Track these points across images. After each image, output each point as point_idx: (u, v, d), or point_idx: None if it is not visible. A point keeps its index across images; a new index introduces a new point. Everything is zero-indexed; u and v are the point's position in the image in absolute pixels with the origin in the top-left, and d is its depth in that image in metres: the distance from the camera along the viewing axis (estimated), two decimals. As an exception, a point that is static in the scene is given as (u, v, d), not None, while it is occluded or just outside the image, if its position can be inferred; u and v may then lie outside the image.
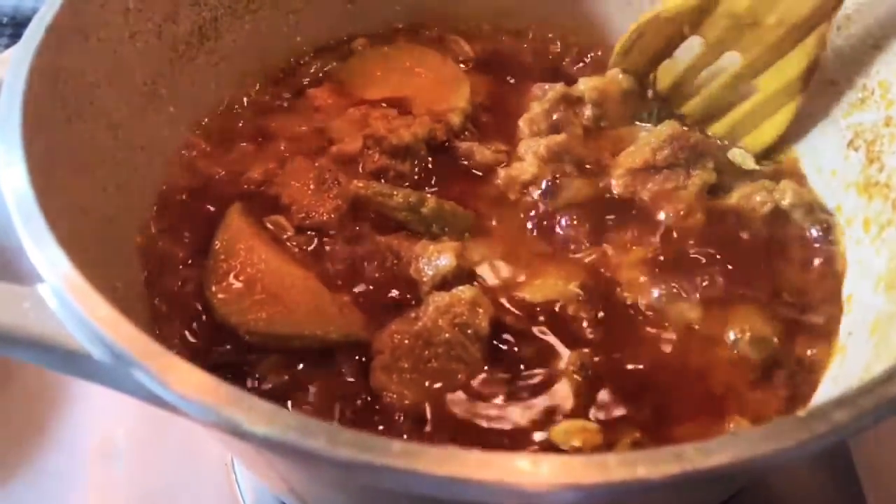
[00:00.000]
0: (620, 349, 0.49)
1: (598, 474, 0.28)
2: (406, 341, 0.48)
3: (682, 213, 0.56)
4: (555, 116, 0.62)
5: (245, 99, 0.65)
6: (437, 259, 0.52)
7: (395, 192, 0.57)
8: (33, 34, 0.46)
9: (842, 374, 0.47)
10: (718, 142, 0.62)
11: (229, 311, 0.50)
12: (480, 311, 0.49)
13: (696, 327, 0.50)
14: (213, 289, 0.51)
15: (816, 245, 0.55)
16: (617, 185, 0.58)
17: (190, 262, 0.54)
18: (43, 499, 0.62)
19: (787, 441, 0.28)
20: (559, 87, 0.64)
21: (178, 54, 0.60)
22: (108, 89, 0.52)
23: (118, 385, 0.35)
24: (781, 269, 0.54)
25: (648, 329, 0.50)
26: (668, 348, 0.49)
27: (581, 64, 0.70)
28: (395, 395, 0.47)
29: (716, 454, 0.28)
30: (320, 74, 0.68)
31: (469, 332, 0.48)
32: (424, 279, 0.52)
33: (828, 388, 0.47)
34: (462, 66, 0.69)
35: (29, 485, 0.62)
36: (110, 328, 0.33)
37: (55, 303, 0.35)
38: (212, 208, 0.57)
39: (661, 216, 0.56)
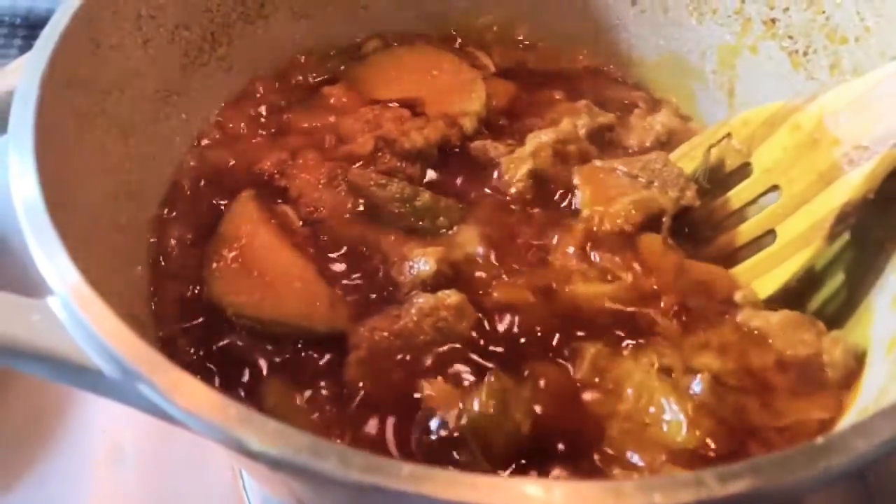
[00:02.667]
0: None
1: (613, 500, 0.28)
2: (385, 339, 0.48)
3: (599, 220, 0.54)
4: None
5: (259, 95, 0.66)
6: (419, 262, 0.52)
7: (390, 183, 0.57)
8: (46, 42, 0.46)
9: (861, 391, 0.46)
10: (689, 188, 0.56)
11: (221, 291, 0.51)
12: (464, 316, 0.49)
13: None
14: (213, 267, 0.52)
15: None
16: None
17: (195, 243, 0.55)
18: (50, 503, 0.62)
19: (805, 471, 0.28)
20: (612, 116, 0.64)
21: (190, 60, 0.60)
22: (120, 97, 0.52)
23: (127, 399, 0.35)
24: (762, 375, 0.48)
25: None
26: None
27: (608, 80, 0.70)
28: (367, 390, 0.46)
29: (734, 482, 0.28)
30: (336, 73, 0.68)
31: (448, 335, 0.48)
32: (405, 281, 0.52)
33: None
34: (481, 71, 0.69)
35: (36, 489, 0.62)
36: (119, 343, 0.33)
37: (65, 316, 0.35)
38: (222, 196, 0.57)
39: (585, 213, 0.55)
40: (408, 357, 0.47)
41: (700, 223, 0.58)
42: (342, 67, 0.69)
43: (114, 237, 0.49)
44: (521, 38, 0.72)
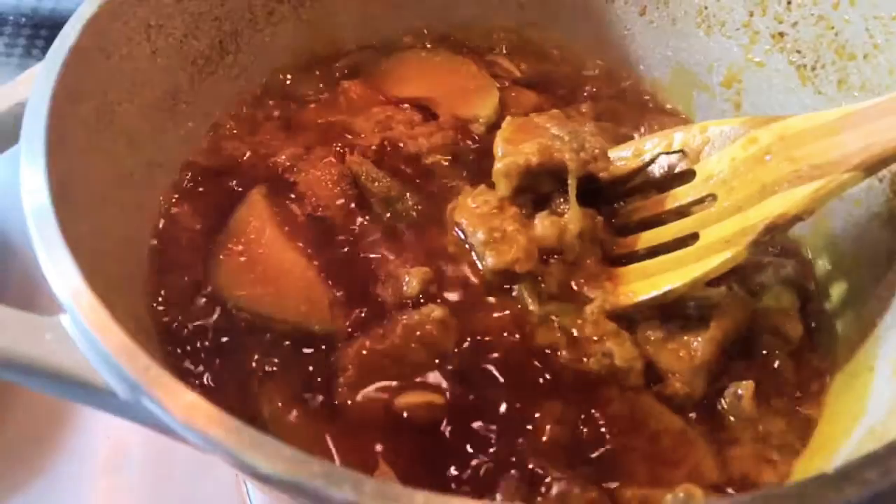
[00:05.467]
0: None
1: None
2: (373, 359, 0.48)
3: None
4: None
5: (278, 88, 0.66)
6: (403, 280, 0.52)
7: (380, 180, 0.57)
8: (56, 54, 0.46)
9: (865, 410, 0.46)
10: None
11: (224, 284, 0.52)
12: (449, 330, 0.49)
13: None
14: (219, 259, 0.53)
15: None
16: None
17: (203, 233, 0.55)
18: (55, 507, 0.62)
19: (816, 502, 0.28)
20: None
21: (198, 69, 0.60)
22: (129, 107, 0.52)
23: (138, 419, 0.35)
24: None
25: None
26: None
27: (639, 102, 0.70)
28: (362, 411, 0.46)
29: (744, 513, 0.28)
30: (356, 68, 0.69)
31: (435, 350, 0.48)
32: (390, 300, 0.51)
33: (847, 426, 0.47)
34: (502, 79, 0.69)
35: (40, 494, 0.63)
36: (130, 364, 0.33)
37: (76, 335, 0.35)
38: (234, 187, 0.58)
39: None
40: (398, 376, 0.47)
41: (628, 216, 0.56)
42: (362, 63, 0.69)
43: (123, 248, 0.49)
44: (531, 47, 0.72)
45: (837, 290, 0.57)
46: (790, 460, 0.48)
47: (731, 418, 0.49)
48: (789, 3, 0.61)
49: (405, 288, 0.51)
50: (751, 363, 0.52)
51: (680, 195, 0.54)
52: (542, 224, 0.52)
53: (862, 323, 0.52)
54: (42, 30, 1.00)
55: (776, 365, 0.52)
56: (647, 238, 0.54)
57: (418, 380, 0.47)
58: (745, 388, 0.49)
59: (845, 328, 0.54)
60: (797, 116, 0.51)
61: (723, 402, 0.49)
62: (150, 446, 0.65)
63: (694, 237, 0.52)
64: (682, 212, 0.54)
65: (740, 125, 0.53)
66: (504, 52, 0.71)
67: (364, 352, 0.48)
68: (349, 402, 0.46)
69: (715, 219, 0.51)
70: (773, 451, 0.48)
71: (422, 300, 0.51)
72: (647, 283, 0.51)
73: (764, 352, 0.52)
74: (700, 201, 0.53)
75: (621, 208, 0.57)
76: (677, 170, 0.55)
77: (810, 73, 0.60)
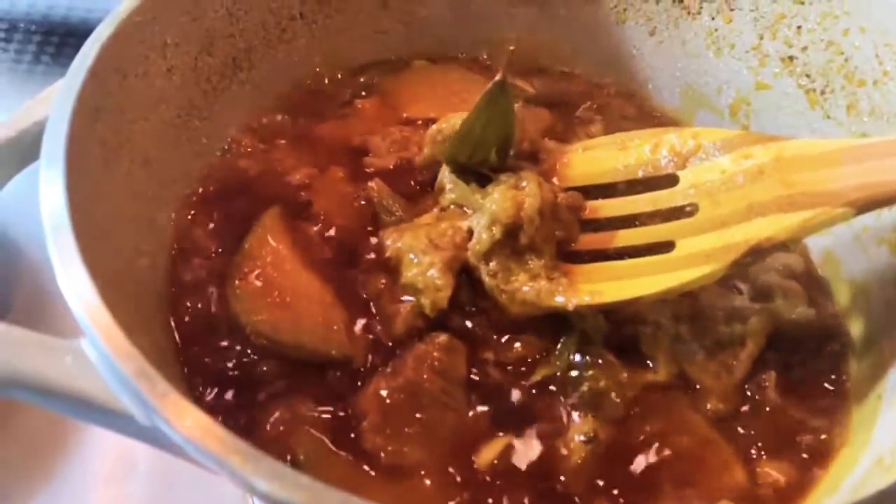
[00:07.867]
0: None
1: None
2: (391, 398, 0.47)
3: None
4: None
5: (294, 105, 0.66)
6: (397, 315, 0.51)
7: (394, 213, 0.57)
8: (76, 74, 0.46)
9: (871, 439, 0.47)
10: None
11: (241, 309, 0.51)
12: (457, 353, 0.49)
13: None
14: (235, 284, 0.52)
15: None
16: None
17: (217, 255, 0.54)
18: (63, 516, 0.62)
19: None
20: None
21: (212, 85, 0.60)
22: (145, 125, 0.53)
23: (158, 444, 0.36)
24: None
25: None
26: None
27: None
28: (395, 454, 0.46)
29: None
30: (370, 85, 0.69)
31: (450, 376, 0.48)
32: (383, 336, 0.51)
33: (855, 453, 0.47)
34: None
35: (48, 502, 0.63)
36: (149, 390, 0.33)
37: (96, 358, 0.36)
38: (249, 207, 0.57)
39: None
40: (419, 409, 0.47)
41: (595, 212, 0.55)
42: (376, 80, 0.69)
43: (137, 267, 0.50)
44: (543, 65, 0.72)
45: (847, 317, 0.57)
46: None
47: (757, 409, 0.50)
48: (799, 27, 0.61)
49: (394, 324, 0.51)
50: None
51: (658, 200, 0.52)
52: (502, 197, 0.51)
53: (872, 349, 0.53)
54: (53, 37, 1.01)
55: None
56: (621, 238, 0.52)
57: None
58: (768, 378, 0.51)
59: (857, 353, 0.54)
60: (796, 140, 0.51)
61: (747, 393, 0.51)
62: (156, 457, 0.64)
63: (666, 245, 0.50)
64: (653, 216, 0.53)
65: (736, 138, 0.52)
66: (517, 70, 0.71)
67: (381, 392, 0.47)
68: (378, 445, 0.46)
69: (695, 230, 0.50)
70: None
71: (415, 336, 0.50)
72: (615, 285, 0.50)
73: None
74: (678, 209, 0.51)
75: (590, 204, 0.54)
76: (662, 172, 0.54)
77: (819, 98, 0.61)
